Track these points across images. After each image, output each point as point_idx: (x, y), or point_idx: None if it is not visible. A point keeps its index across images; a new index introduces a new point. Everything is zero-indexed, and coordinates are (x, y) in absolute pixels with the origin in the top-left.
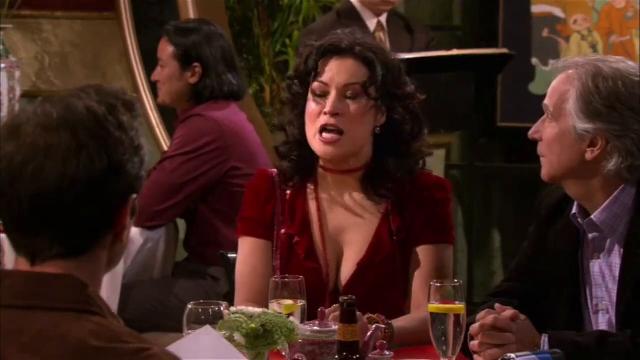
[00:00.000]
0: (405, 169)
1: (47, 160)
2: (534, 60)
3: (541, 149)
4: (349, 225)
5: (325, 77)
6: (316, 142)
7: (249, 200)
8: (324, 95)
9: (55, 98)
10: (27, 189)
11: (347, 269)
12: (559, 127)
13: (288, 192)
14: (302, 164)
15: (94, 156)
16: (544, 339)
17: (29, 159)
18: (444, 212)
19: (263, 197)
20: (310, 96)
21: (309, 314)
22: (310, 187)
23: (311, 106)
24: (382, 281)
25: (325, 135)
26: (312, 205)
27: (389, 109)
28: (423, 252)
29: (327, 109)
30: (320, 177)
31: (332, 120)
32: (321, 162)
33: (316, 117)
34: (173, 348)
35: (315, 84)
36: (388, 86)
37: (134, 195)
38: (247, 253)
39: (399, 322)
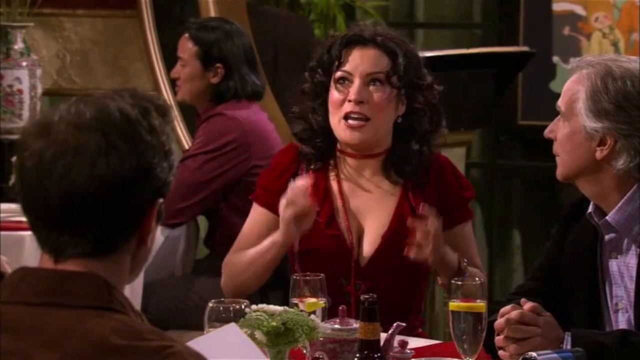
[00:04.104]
0: (424, 159)
1: (77, 158)
2: (555, 59)
3: (555, 148)
4: (368, 204)
5: (348, 66)
6: (341, 127)
7: (270, 169)
8: (347, 83)
9: (89, 98)
10: (55, 186)
11: (370, 244)
12: (570, 126)
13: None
14: (324, 150)
15: (123, 157)
16: (567, 338)
17: (59, 156)
18: (465, 194)
19: (280, 169)
20: (333, 84)
21: (334, 285)
22: (330, 167)
23: (334, 94)
24: (405, 255)
25: (350, 121)
26: (333, 183)
27: (410, 99)
28: (454, 233)
29: (351, 97)
30: (338, 159)
31: (356, 108)
32: (339, 147)
33: (340, 104)
34: (194, 343)
35: (339, 73)
36: (410, 76)
37: (161, 200)
38: (254, 216)
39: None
